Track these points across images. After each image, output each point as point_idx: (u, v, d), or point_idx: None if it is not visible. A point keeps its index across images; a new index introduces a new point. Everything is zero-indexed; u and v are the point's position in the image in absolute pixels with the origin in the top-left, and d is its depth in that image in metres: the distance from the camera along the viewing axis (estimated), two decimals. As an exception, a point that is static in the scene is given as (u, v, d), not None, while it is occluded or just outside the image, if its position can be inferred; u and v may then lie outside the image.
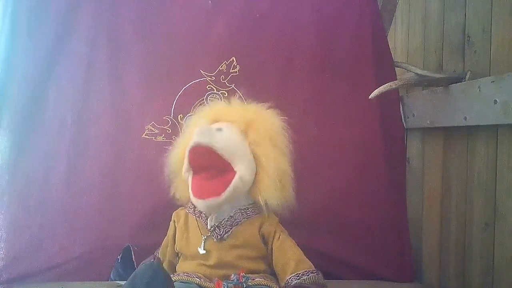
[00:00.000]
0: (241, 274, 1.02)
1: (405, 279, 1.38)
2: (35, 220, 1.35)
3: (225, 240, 1.10)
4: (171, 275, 1.07)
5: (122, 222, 1.37)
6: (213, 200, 1.05)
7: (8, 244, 1.33)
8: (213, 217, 1.12)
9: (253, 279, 1.05)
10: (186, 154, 1.09)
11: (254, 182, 1.11)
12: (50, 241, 1.34)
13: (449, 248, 1.27)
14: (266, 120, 1.15)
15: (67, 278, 1.31)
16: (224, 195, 1.05)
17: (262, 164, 1.10)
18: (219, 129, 1.10)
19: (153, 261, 1.16)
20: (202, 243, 1.10)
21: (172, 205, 1.22)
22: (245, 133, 1.12)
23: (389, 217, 1.41)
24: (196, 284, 1.05)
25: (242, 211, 1.13)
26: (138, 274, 0.91)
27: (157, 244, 1.24)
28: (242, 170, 1.08)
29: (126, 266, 1.38)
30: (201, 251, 1.10)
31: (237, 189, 1.07)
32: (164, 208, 1.24)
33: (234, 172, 1.07)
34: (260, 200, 1.09)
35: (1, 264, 1.30)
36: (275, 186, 1.09)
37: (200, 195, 1.07)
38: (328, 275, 1.20)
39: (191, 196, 1.09)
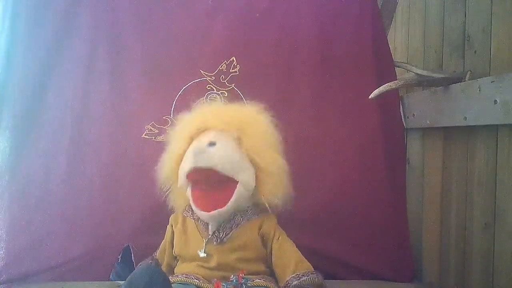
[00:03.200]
0: (241, 275, 1.02)
1: (405, 279, 1.38)
2: (35, 220, 1.35)
3: (225, 242, 1.09)
4: (170, 277, 1.07)
5: (122, 222, 1.37)
6: (218, 212, 1.05)
7: (8, 244, 1.33)
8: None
9: (253, 281, 1.05)
10: (183, 174, 1.07)
11: (255, 185, 1.11)
12: (50, 241, 1.34)
13: (449, 247, 1.27)
14: (257, 122, 1.13)
15: (67, 278, 1.31)
16: (228, 205, 1.05)
17: (261, 167, 1.10)
18: (212, 144, 1.06)
19: (151, 263, 1.17)
20: (204, 246, 1.09)
21: (172, 205, 1.22)
22: (238, 139, 1.10)
23: (389, 217, 1.42)
24: (195, 285, 1.04)
25: (242, 213, 1.12)
26: (135, 276, 0.90)
27: (157, 244, 1.24)
28: (244, 178, 1.07)
29: (126, 266, 1.38)
30: (202, 254, 1.09)
31: (241, 197, 1.08)
32: (164, 208, 1.23)
33: (236, 182, 1.06)
34: (264, 201, 1.10)
35: (1, 264, 1.31)
36: (276, 185, 1.10)
37: (205, 207, 1.06)
38: (328, 275, 1.20)
39: (194, 208, 1.08)
